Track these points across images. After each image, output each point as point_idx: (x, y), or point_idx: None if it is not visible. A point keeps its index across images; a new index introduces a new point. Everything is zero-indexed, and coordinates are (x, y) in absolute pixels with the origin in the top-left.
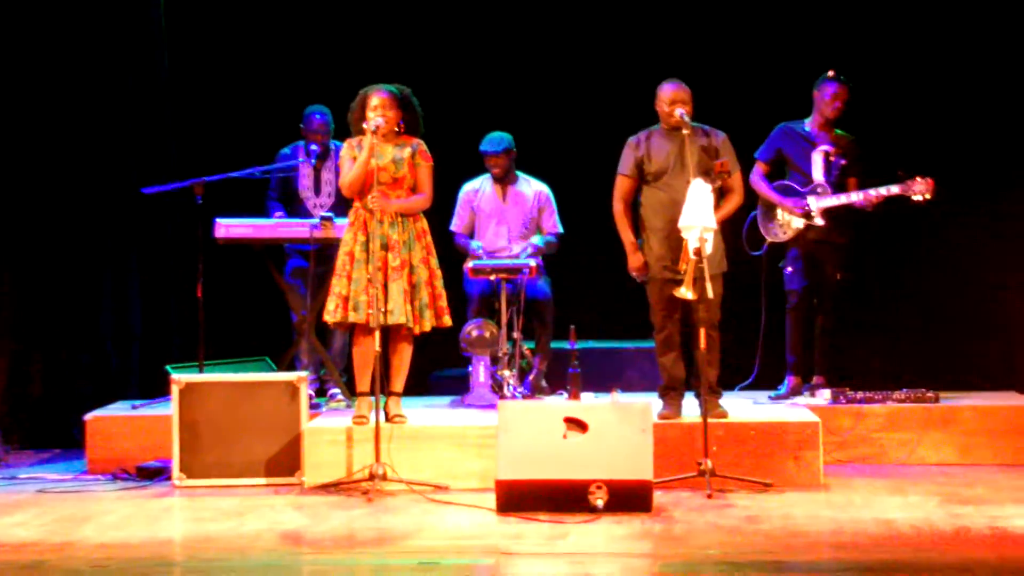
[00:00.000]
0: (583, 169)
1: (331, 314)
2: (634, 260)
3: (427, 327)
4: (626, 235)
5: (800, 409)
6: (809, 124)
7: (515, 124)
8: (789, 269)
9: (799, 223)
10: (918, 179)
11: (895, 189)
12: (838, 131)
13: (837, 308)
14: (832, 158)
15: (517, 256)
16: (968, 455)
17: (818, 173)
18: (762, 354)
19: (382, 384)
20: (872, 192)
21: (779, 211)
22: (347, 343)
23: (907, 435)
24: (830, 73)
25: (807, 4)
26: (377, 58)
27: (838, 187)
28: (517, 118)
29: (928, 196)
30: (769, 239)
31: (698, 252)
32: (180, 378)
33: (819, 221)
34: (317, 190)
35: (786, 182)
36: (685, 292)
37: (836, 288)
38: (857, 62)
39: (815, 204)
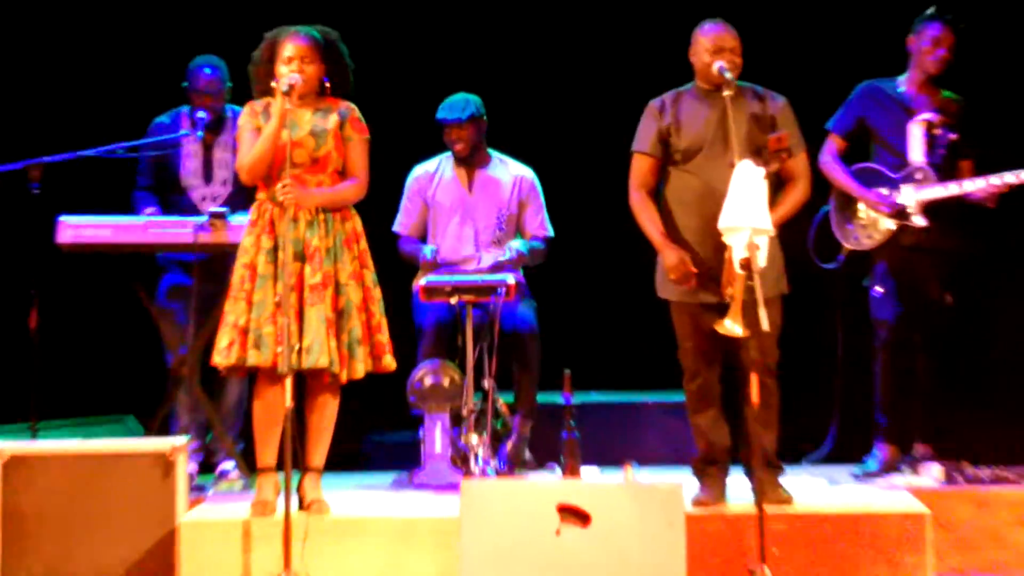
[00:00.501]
0: (580, 149)
1: (223, 354)
2: (671, 256)
3: (360, 372)
4: (650, 226)
5: (898, 493)
6: (904, 83)
7: (487, 87)
8: (878, 290)
9: (890, 223)
10: None
11: None
12: (945, 93)
13: (947, 346)
14: (937, 131)
15: (490, 269)
16: None
17: (917, 152)
18: (840, 411)
19: (295, 456)
20: (995, 179)
21: (861, 207)
22: (245, 396)
23: None
24: (931, 10)
25: None
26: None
27: (946, 172)
28: (489, 78)
29: None
30: (848, 246)
31: (747, 265)
32: (1, 447)
33: (919, 220)
34: (207, 176)
35: (871, 165)
36: (732, 326)
37: (945, 316)
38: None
39: (913, 196)
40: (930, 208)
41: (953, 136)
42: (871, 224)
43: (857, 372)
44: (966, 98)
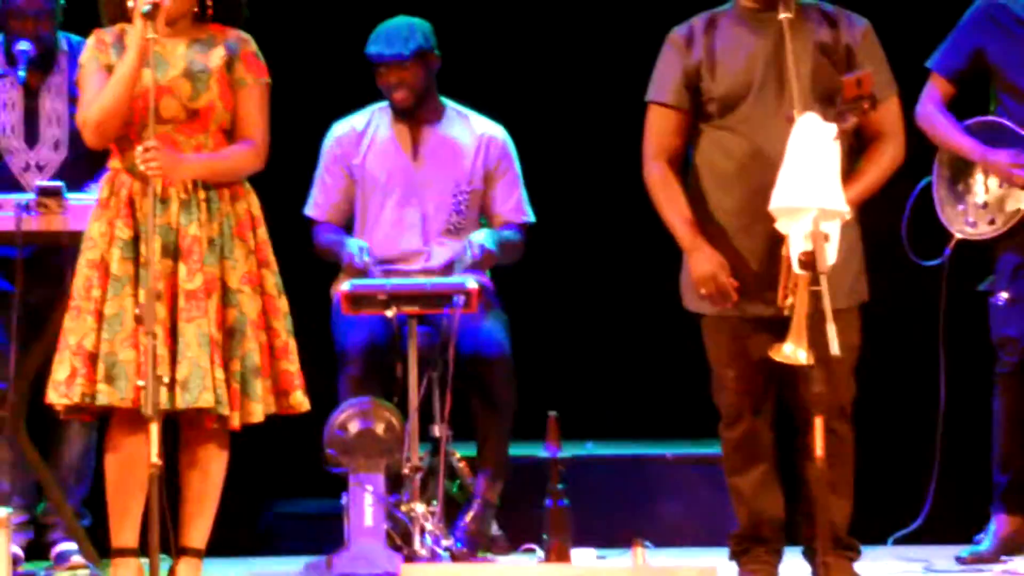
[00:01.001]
0: (569, 99)
1: (61, 389)
2: (702, 264)
3: (258, 415)
4: (674, 214)
5: None
6: None
7: (436, 10)
8: (1002, 296)
9: (1023, 200)
10: None
11: None
12: None
13: None
14: None
15: (443, 270)
16: None
17: None
18: (942, 471)
19: (164, 532)
20: None
21: (979, 176)
22: (93, 448)
23: None
24: None
25: None
26: None
27: None
28: (443, 5)
29: None
30: (957, 233)
31: (809, 263)
32: None
33: None
34: (31, 135)
35: (993, 118)
36: (794, 351)
37: None
38: None
39: None
40: None
41: None
42: (994, 202)
43: (967, 413)
44: None
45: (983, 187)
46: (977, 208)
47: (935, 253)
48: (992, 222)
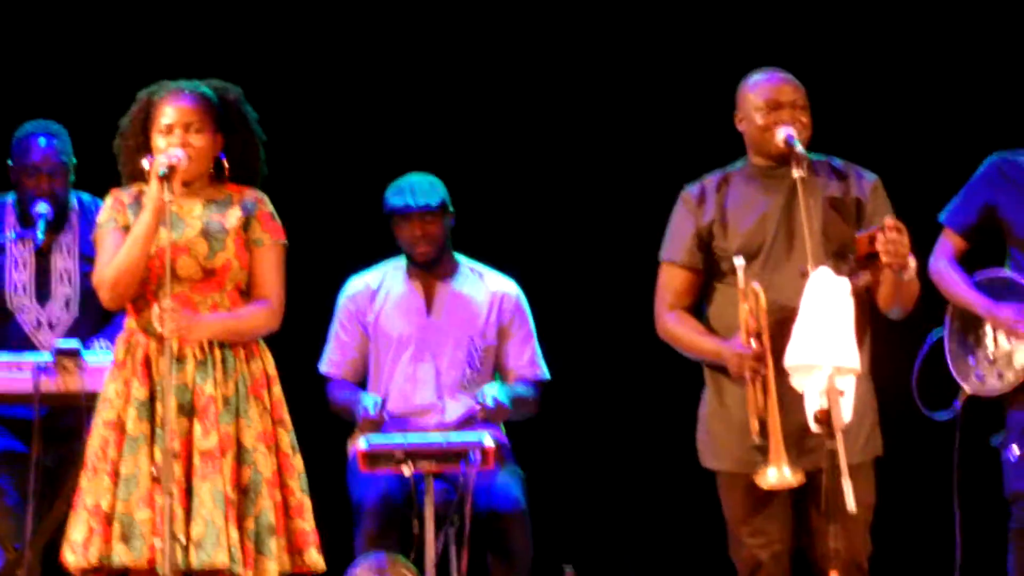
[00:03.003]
0: (581, 255)
1: (78, 551)
2: (729, 352)
3: (273, 574)
4: (694, 337)
5: None
6: None
7: (446, 172)
8: (1014, 452)
9: None
10: None
11: None
12: None
13: None
14: None
15: (458, 425)
16: None
17: None
18: None
19: None
20: None
21: (989, 331)
22: None
23: None
24: None
25: None
26: (175, 30)
27: None
28: (449, 162)
29: None
30: (968, 389)
31: (825, 419)
32: None
33: None
34: (43, 294)
35: (1004, 273)
36: (779, 476)
37: None
38: None
39: None
40: None
41: None
42: (1002, 357)
43: (982, 568)
44: None
45: (992, 341)
46: (986, 362)
47: (946, 406)
48: (1000, 376)
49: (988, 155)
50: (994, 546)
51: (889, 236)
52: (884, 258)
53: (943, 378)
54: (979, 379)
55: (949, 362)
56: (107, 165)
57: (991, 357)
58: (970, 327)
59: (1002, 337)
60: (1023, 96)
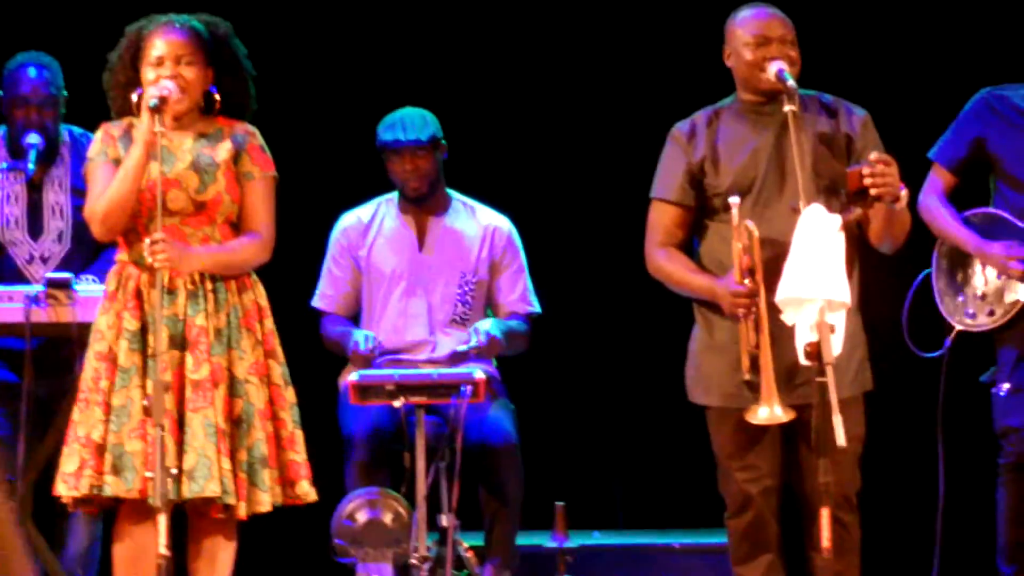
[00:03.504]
0: (572, 191)
1: (70, 481)
2: (723, 289)
3: (266, 505)
4: (686, 274)
5: None
6: None
7: (439, 107)
8: (1003, 387)
9: (1022, 292)
10: None
11: None
12: None
13: None
14: None
15: (449, 360)
16: None
17: None
18: (943, 559)
19: None
20: None
21: (978, 266)
22: (100, 539)
23: None
24: None
25: None
26: None
27: None
28: (442, 97)
29: None
30: (958, 325)
31: (814, 353)
32: None
33: None
34: (35, 228)
35: (993, 210)
36: (770, 413)
37: None
38: None
39: None
40: None
41: None
42: (992, 293)
43: (970, 502)
44: None
45: (982, 279)
46: (976, 299)
47: (936, 344)
48: (991, 313)
49: (976, 90)
50: (979, 481)
51: (878, 169)
52: (874, 191)
53: (933, 317)
54: (969, 316)
55: (938, 300)
56: (97, 100)
57: (981, 294)
58: (959, 265)
59: (992, 273)
60: (1011, 31)
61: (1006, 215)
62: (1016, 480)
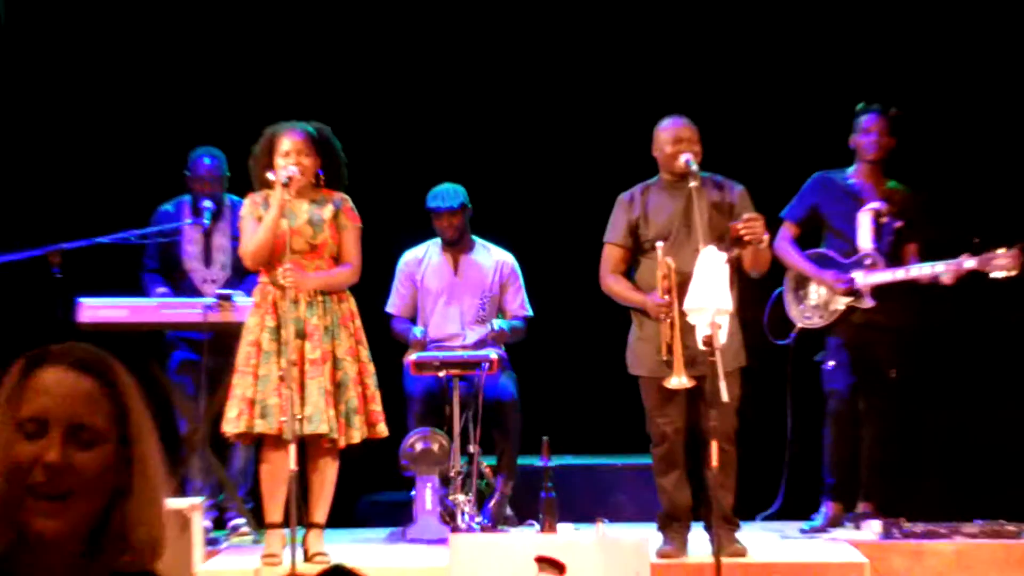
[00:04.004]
0: (557, 236)
1: (232, 423)
2: (651, 302)
3: (356, 438)
4: (628, 292)
5: (841, 545)
6: (853, 175)
7: (468, 176)
8: (829, 363)
9: (841, 304)
10: (1001, 251)
11: (970, 263)
12: (891, 183)
13: (892, 415)
14: (884, 219)
15: (474, 346)
16: None
17: (866, 239)
18: (790, 474)
19: (299, 513)
20: (938, 266)
21: (814, 288)
22: (253, 460)
23: None
24: (861, 105)
25: (851, 23)
26: (289, 87)
27: (893, 257)
28: (470, 169)
29: (1014, 272)
30: (800, 324)
31: (709, 342)
32: None
33: (868, 301)
34: (207, 260)
35: (823, 251)
36: (679, 381)
37: (891, 388)
38: (922, 94)
39: (862, 279)
40: (879, 290)
41: (899, 223)
42: (823, 304)
43: (806, 438)
44: (914, 186)
45: (816, 295)
46: (812, 308)
47: (786, 336)
48: (821, 317)
49: (813, 172)
50: (813, 425)
51: (749, 224)
52: (747, 238)
53: (783, 318)
54: (807, 319)
55: (787, 307)
56: (245, 178)
57: (815, 304)
58: (801, 285)
59: (823, 291)
60: (836, 128)
61: (832, 254)
62: (836, 423)
